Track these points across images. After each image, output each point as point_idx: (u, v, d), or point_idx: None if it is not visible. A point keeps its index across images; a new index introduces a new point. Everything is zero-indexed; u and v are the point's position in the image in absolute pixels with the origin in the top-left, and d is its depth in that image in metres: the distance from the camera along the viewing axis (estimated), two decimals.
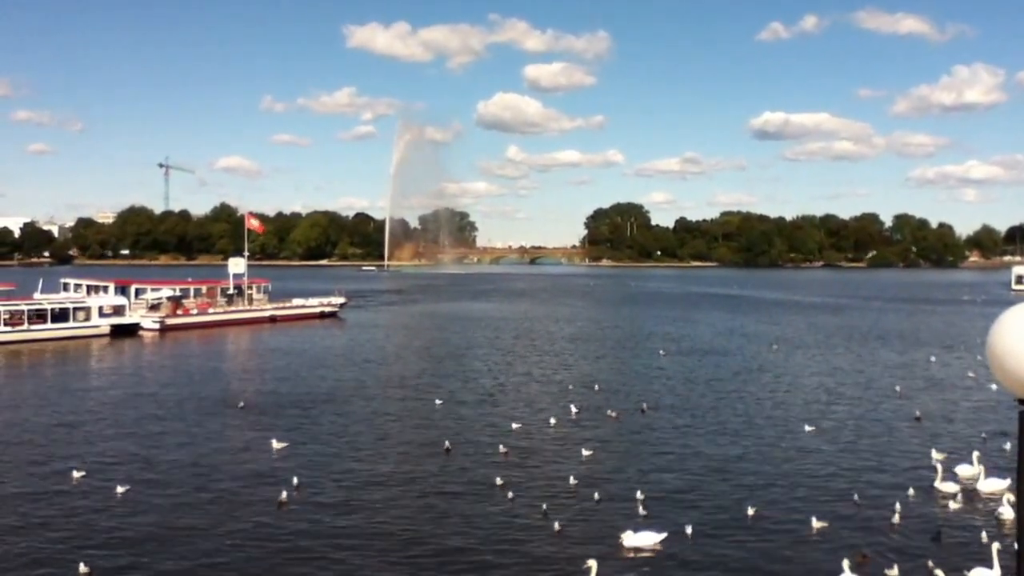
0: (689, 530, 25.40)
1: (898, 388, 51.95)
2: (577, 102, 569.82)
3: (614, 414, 43.35)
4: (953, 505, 28.79)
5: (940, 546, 24.85)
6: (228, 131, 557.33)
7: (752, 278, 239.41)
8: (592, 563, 21.06)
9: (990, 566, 22.07)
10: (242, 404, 45.52)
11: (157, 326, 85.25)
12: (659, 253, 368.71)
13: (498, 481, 30.83)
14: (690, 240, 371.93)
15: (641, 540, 24.24)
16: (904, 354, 69.87)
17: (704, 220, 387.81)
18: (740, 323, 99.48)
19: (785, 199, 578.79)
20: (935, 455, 32.97)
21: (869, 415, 44.40)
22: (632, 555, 24.08)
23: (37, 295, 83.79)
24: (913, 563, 23.14)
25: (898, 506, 27.89)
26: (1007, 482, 29.91)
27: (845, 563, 21.79)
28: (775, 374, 58.87)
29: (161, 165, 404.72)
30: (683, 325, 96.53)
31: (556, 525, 26.12)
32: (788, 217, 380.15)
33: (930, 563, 22.71)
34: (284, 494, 29.05)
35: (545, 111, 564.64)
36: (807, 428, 40.27)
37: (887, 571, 22.32)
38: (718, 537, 25.66)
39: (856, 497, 29.28)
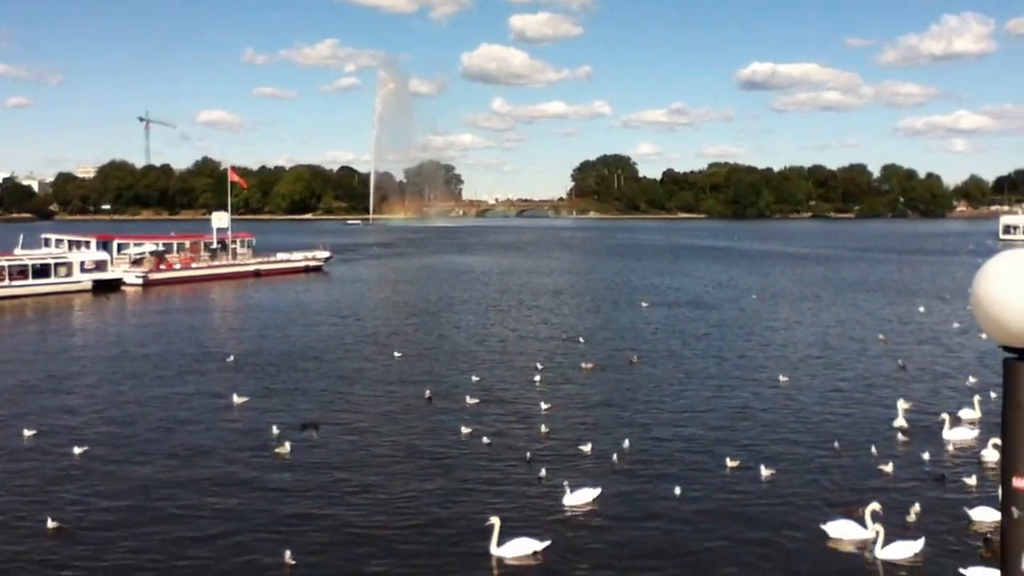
0: (677, 490, 24.64)
1: (882, 337, 51.77)
2: (563, 53, 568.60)
3: (589, 365, 43.00)
4: (931, 451, 28.60)
5: (921, 491, 24.55)
6: (210, 84, 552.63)
7: (740, 229, 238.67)
8: (495, 520, 20.37)
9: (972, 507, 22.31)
10: (232, 359, 44.96)
11: (140, 281, 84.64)
12: (646, 205, 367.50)
13: (467, 430, 30.95)
14: (678, 192, 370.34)
15: (579, 498, 23.52)
16: (891, 304, 69.69)
17: (692, 172, 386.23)
18: (726, 274, 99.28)
19: (773, 150, 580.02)
20: (902, 404, 32.46)
21: (852, 364, 44.20)
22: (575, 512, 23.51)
23: (18, 251, 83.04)
24: (897, 508, 22.78)
25: (874, 450, 28.10)
26: (976, 432, 30.11)
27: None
28: (759, 325, 58.67)
29: (141, 119, 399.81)
30: (668, 277, 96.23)
31: (543, 471, 26.06)
32: (776, 168, 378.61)
33: (917, 507, 22.70)
34: (269, 447, 29.01)
35: (531, 62, 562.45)
36: (787, 378, 39.88)
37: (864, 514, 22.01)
38: (698, 488, 25.28)
39: (836, 445, 29.15)
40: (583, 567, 20.12)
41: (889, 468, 26.58)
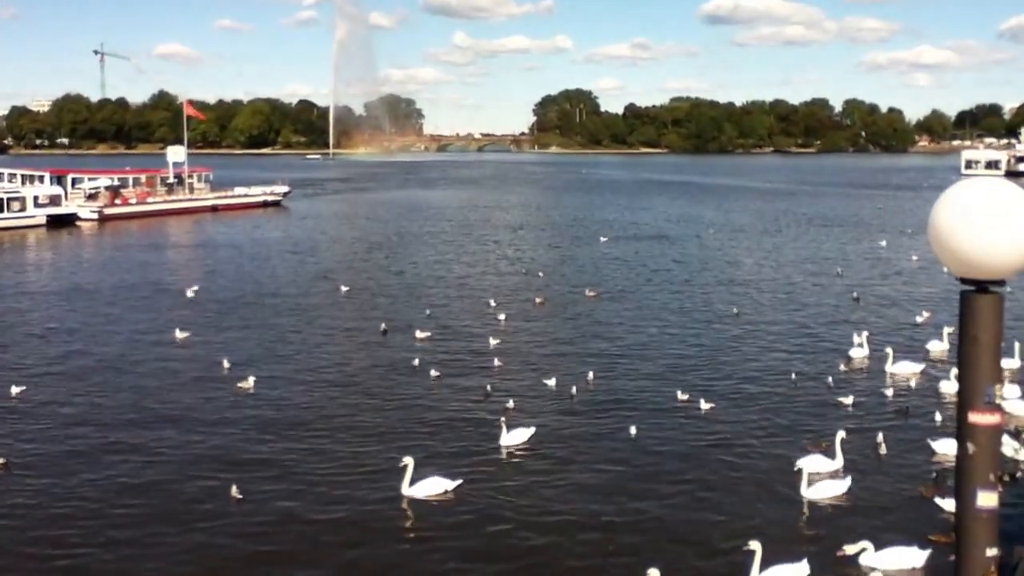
0: (632, 430, 23.92)
1: (839, 271, 52.02)
2: None
3: (542, 300, 42.82)
4: (880, 382, 28.62)
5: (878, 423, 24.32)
6: (166, 16, 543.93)
7: (701, 164, 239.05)
8: (408, 460, 19.89)
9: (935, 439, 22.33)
10: (189, 295, 44.00)
11: (95, 216, 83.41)
12: (608, 140, 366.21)
13: (417, 362, 30.70)
14: (640, 127, 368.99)
15: (515, 438, 22.85)
16: (853, 240, 69.84)
17: (654, 106, 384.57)
18: (687, 209, 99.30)
19: (735, 85, 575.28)
20: (857, 337, 32.70)
21: (808, 298, 44.23)
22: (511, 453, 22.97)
23: None
24: (857, 436, 22.54)
25: (830, 381, 28.15)
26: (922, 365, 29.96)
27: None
28: (718, 260, 58.61)
29: (96, 52, 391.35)
30: (629, 212, 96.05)
31: (509, 402, 25.93)
32: (738, 103, 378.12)
33: (880, 437, 22.59)
34: (220, 382, 28.68)
35: None
36: (743, 312, 39.91)
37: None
38: (651, 425, 24.61)
39: (793, 376, 29.04)
40: (497, 503, 19.67)
41: (848, 401, 26.46)
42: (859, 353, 31.63)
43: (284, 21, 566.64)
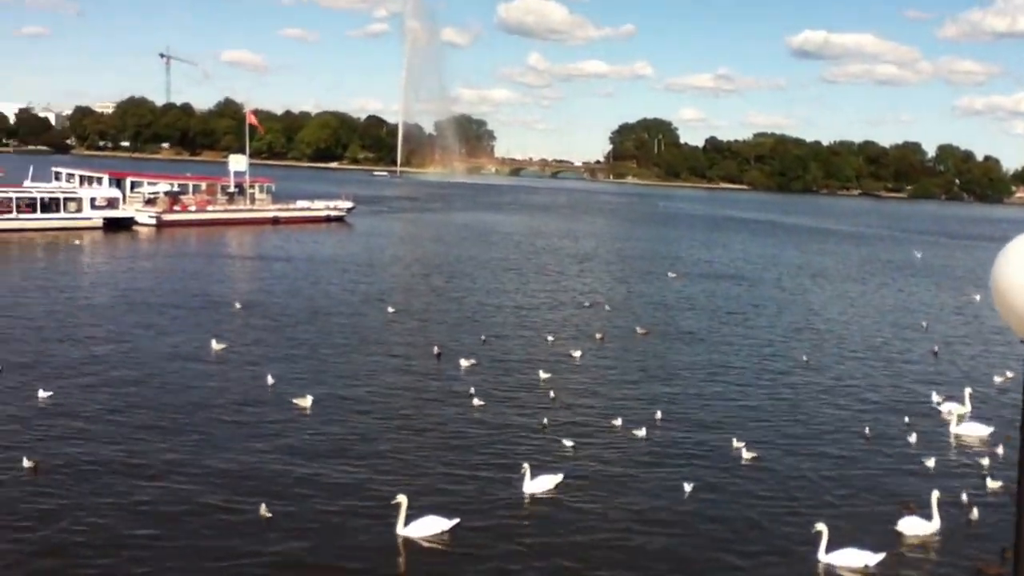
0: (688, 487, 21.82)
1: (925, 324, 49.06)
2: (606, 9, 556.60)
3: (600, 336, 40.78)
4: (955, 443, 27.33)
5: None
6: (234, 22, 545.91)
7: (784, 203, 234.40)
8: (402, 498, 18.77)
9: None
10: (238, 306, 43.68)
11: (152, 221, 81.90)
12: (687, 173, 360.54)
13: (472, 389, 29.71)
14: (720, 161, 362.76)
15: (539, 485, 21.38)
16: (941, 292, 66.05)
17: (736, 140, 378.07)
18: (765, 249, 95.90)
19: (823, 123, 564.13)
20: (935, 395, 31.52)
21: (885, 350, 41.71)
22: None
23: (27, 183, 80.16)
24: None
25: (911, 439, 26.79)
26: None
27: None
28: (792, 303, 55.72)
29: (162, 55, 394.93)
30: (703, 249, 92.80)
31: (568, 441, 24.85)
32: (825, 142, 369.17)
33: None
34: (262, 393, 28.52)
35: (571, 17, 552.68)
36: (809, 359, 38.04)
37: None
38: (709, 481, 22.65)
39: (867, 431, 27.36)
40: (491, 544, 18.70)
41: (930, 463, 24.64)
42: (936, 411, 30.28)
43: (354, 33, 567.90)
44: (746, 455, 24.32)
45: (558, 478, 21.60)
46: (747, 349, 39.99)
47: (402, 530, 18.60)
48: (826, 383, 34.11)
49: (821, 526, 18.28)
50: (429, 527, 18.69)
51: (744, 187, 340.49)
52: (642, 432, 25.98)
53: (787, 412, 29.63)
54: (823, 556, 18.25)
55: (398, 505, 18.73)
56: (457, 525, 18.88)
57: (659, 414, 27.74)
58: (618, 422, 26.79)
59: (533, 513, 20.32)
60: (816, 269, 77.36)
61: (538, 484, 21.26)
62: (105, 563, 17.02)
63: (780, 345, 41.25)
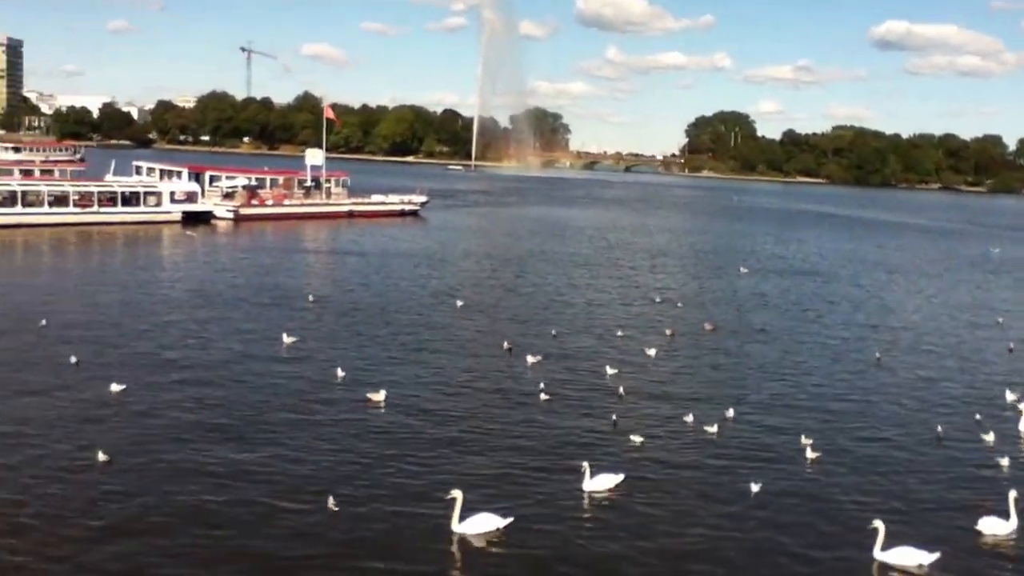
0: (755, 488, 21.54)
1: (1000, 320, 48.15)
2: (685, 1, 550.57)
3: (670, 332, 40.38)
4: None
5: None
6: (315, 16, 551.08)
7: (862, 197, 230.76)
8: (457, 494, 18.67)
9: None
10: (311, 299, 44.27)
11: (230, 215, 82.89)
12: (763, 166, 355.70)
13: (543, 384, 29.76)
14: (797, 154, 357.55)
15: (600, 484, 21.19)
16: (1018, 287, 65.13)
17: (814, 133, 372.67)
18: (841, 244, 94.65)
19: (903, 115, 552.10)
20: (1010, 393, 31.01)
21: (959, 347, 41.00)
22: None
23: (108, 177, 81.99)
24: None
25: (990, 438, 26.25)
26: None
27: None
28: (866, 300, 54.89)
29: (243, 49, 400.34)
30: (777, 244, 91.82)
31: (637, 438, 24.75)
32: (905, 134, 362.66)
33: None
34: (332, 386, 28.84)
35: (650, 9, 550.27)
36: (881, 355, 37.30)
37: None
38: (777, 479, 22.36)
39: (940, 430, 26.87)
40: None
41: (1004, 462, 24.30)
42: (1011, 409, 29.61)
43: (432, 26, 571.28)
44: (815, 454, 23.97)
45: (619, 477, 21.40)
46: (820, 346, 39.45)
47: (457, 527, 18.51)
48: (899, 381, 33.57)
49: (878, 523, 18.08)
50: (483, 524, 18.56)
51: (821, 181, 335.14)
52: (713, 428, 25.77)
53: (858, 410, 29.17)
54: (878, 554, 18.01)
55: (453, 501, 18.65)
56: (512, 524, 18.78)
57: (731, 412, 27.45)
58: (689, 419, 26.58)
59: (591, 512, 20.13)
60: (892, 265, 76.20)
61: (598, 483, 21.07)
62: (172, 553, 17.35)
63: (854, 343, 40.60)
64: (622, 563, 17.84)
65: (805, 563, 18.17)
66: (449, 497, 18.70)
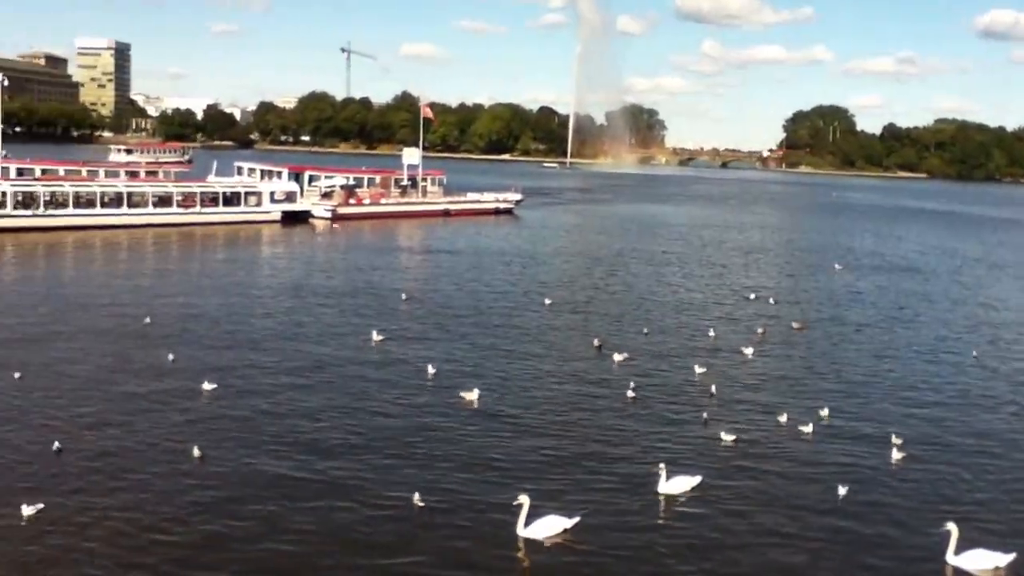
0: (843, 490, 21.15)
1: None
2: None
3: (762, 330, 39.94)
4: None
5: None
6: (413, 16, 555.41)
7: (964, 192, 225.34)
8: (524, 499, 18.59)
9: None
10: (404, 297, 45.00)
11: (328, 215, 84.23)
12: (863, 161, 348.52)
13: (633, 383, 29.55)
14: (898, 149, 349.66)
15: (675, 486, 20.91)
16: None
17: (915, 127, 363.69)
18: (942, 241, 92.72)
19: (1010, 107, 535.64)
20: None
21: None
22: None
23: (210, 178, 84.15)
24: None
25: None
26: None
27: None
28: (967, 298, 53.74)
29: (343, 50, 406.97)
30: (875, 240, 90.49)
31: (728, 437, 24.68)
32: (1009, 127, 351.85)
33: None
34: (422, 384, 29.20)
35: (749, 2, 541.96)
36: (979, 354, 36.51)
37: None
38: (863, 479, 22.09)
39: None
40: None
41: None
42: None
43: (530, 23, 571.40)
44: (905, 455, 23.63)
45: (696, 479, 21.08)
46: (916, 345, 38.85)
47: (522, 531, 18.42)
48: (996, 381, 32.92)
49: (951, 526, 17.84)
50: (549, 527, 18.46)
51: (922, 176, 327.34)
52: (808, 428, 25.54)
53: (953, 410, 28.68)
54: (951, 558, 17.74)
55: (520, 507, 18.56)
56: (580, 527, 18.61)
57: (825, 411, 27.15)
58: (783, 419, 26.34)
59: (666, 515, 19.89)
60: (994, 261, 74.65)
61: (674, 485, 20.78)
62: (263, 549, 17.69)
63: (951, 341, 39.90)
64: (688, 568, 17.64)
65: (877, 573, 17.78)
66: (516, 503, 18.64)
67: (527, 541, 18.29)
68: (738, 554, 18.15)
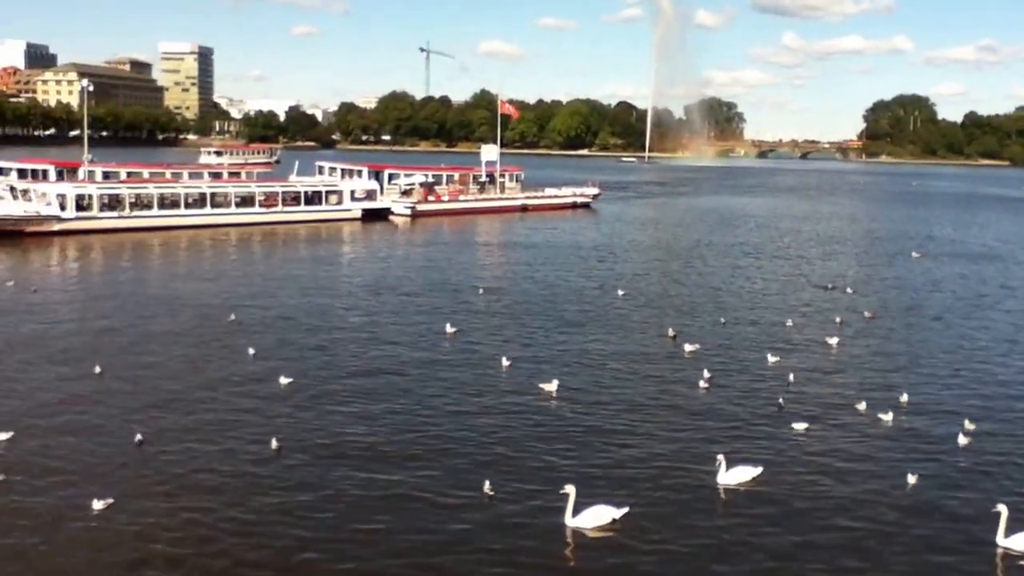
0: (912, 479, 20.92)
1: None
2: None
3: (839, 320, 39.78)
4: None
5: None
6: (491, 14, 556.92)
7: None
8: (570, 488, 18.57)
9: None
10: (481, 291, 45.52)
11: (408, 212, 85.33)
12: (944, 150, 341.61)
13: (709, 373, 29.52)
14: (980, 137, 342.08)
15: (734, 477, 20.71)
16: None
17: (997, 115, 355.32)
18: (1023, 227, 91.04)
19: None
20: None
21: None
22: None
23: (292, 178, 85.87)
24: None
25: None
26: None
27: None
28: None
29: (422, 49, 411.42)
30: (955, 228, 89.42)
31: (799, 426, 24.58)
32: None
33: None
34: (496, 376, 29.43)
35: None
36: None
37: None
38: (934, 469, 21.71)
39: None
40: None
41: None
42: None
43: (607, 18, 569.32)
44: (977, 445, 23.27)
45: (757, 470, 20.74)
46: (996, 333, 38.38)
47: (570, 520, 18.32)
48: None
49: (1001, 507, 17.44)
50: (597, 517, 18.36)
51: (1004, 163, 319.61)
52: (888, 416, 25.35)
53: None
54: (1002, 540, 17.38)
55: (566, 496, 18.52)
56: (630, 518, 18.49)
57: (905, 396, 27.00)
58: (862, 407, 26.18)
59: (722, 506, 19.79)
60: None
61: (733, 476, 20.53)
62: (340, 541, 17.81)
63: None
64: (737, 560, 17.43)
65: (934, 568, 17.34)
66: (563, 492, 18.62)
67: (574, 531, 18.28)
68: (792, 547, 17.84)
